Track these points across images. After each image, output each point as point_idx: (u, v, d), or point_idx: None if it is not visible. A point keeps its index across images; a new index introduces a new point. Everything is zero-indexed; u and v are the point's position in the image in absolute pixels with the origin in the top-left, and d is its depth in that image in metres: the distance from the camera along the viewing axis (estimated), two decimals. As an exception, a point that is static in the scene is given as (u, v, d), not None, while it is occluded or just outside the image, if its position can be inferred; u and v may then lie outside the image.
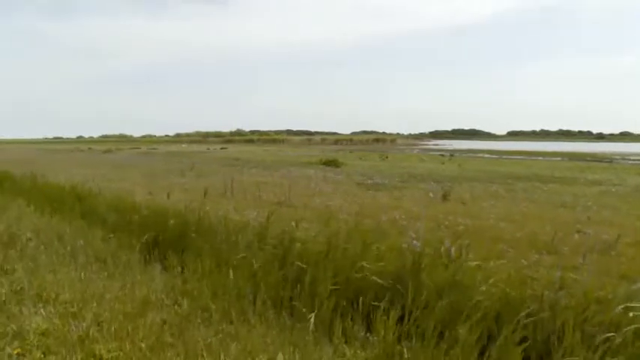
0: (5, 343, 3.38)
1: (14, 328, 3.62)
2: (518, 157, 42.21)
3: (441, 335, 3.51)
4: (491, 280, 3.81)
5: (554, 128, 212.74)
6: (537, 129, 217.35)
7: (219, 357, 3.23)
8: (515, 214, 8.34)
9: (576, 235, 6.16)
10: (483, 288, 3.74)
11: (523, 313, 3.34)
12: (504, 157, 42.16)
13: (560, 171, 22.09)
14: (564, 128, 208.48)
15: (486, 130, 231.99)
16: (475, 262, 4.22)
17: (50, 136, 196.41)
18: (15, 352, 3.27)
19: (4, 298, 4.24)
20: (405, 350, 3.39)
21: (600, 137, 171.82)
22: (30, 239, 6.41)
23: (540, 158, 39.50)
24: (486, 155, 45.62)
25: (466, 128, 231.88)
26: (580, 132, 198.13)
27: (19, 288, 4.51)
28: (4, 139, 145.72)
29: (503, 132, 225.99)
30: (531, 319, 3.34)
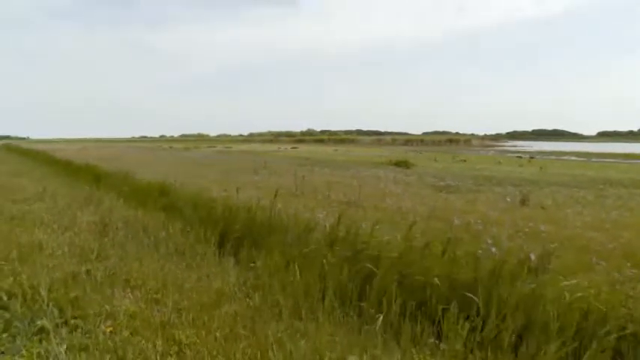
0: (100, 321, 3.75)
1: (107, 308, 3.99)
2: (612, 160, 38.27)
3: (517, 349, 3.30)
4: (578, 294, 3.50)
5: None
6: (635, 128, 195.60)
7: (289, 352, 3.29)
8: (607, 223, 7.55)
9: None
10: (569, 302, 3.44)
11: (615, 333, 3.02)
12: (594, 159, 38.53)
13: (662, 176, 19.69)
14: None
15: (572, 130, 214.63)
16: (559, 273, 3.90)
17: (137, 135, 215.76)
18: (108, 329, 3.62)
19: (100, 281, 4.70)
20: (478, 361, 3.23)
21: None
22: (120, 229, 7.03)
23: (639, 161, 35.51)
24: (572, 158, 42.03)
25: (548, 129, 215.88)
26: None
27: (111, 273, 4.97)
28: (101, 137, 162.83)
29: (593, 132, 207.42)
30: (628, 341, 3.01)
